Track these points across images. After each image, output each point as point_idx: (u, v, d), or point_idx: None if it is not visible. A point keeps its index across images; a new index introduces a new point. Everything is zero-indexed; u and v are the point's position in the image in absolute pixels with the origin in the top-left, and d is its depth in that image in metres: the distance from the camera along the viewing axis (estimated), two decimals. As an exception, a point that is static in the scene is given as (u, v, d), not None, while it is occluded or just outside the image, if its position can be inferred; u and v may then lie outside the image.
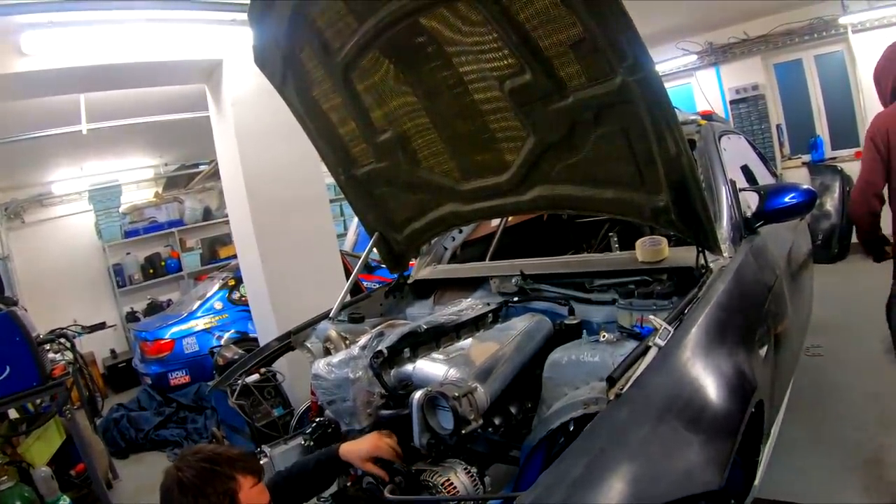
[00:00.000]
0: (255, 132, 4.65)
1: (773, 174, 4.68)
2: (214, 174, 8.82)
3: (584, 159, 2.07)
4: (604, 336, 1.74)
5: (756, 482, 1.91)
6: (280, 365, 3.06)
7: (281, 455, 2.29)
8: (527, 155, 2.20)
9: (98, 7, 3.65)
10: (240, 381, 2.76)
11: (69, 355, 4.23)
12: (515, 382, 1.96)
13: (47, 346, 3.93)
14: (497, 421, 1.95)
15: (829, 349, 4.24)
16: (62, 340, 4.18)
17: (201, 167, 9.69)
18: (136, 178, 9.76)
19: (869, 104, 7.25)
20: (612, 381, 1.43)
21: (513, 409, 2.01)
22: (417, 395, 1.71)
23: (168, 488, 1.44)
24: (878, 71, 3.28)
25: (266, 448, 2.29)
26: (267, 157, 4.68)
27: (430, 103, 2.31)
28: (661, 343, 1.52)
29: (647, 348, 1.52)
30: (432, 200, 2.73)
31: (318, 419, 2.34)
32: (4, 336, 3.37)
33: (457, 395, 1.64)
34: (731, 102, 8.57)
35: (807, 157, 8.03)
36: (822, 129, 8.05)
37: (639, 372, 1.45)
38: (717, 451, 1.32)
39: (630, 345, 1.67)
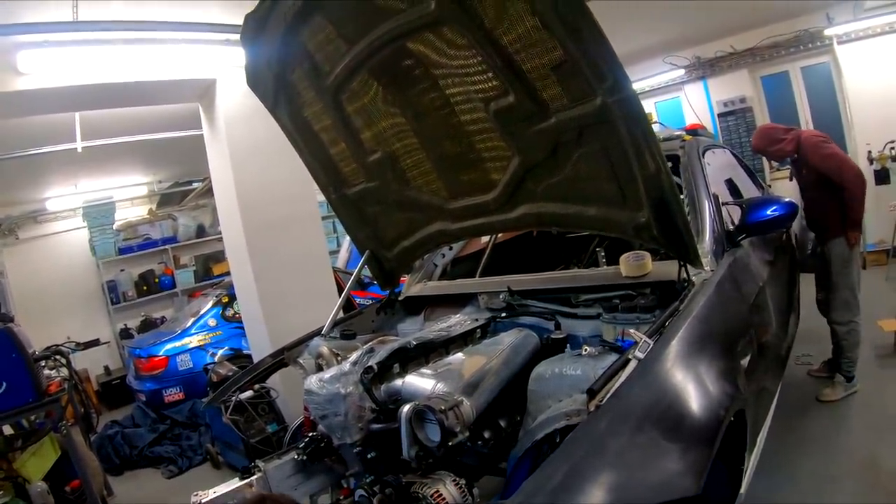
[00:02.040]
0: (248, 150, 4.70)
1: (760, 187, 4.75)
2: (208, 191, 8.84)
3: (568, 178, 2.13)
4: (586, 350, 1.79)
5: (742, 490, 1.95)
6: (274, 382, 3.08)
7: (274, 469, 2.32)
8: (512, 174, 2.26)
9: (93, 28, 3.69)
10: (234, 398, 2.78)
11: (65, 372, 4.24)
12: (504, 396, 2.00)
13: (43, 363, 3.95)
14: (487, 434, 1.99)
15: (818, 357, 4.29)
16: (58, 357, 4.19)
17: (195, 185, 9.71)
18: (130, 195, 9.79)
19: (856, 114, 7.38)
20: (592, 392, 1.48)
21: (502, 423, 2.04)
22: (406, 408, 1.76)
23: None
24: (762, 149, 4.16)
25: (260, 463, 2.32)
26: (260, 175, 4.73)
27: (419, 124, 2.38)
28: (641, 355, 1.57)
29: (627, 361, 1.57)
30: (421, 219, 2.78)
31: (310, 434, 2.37)
32: (1, 352, 3.39)
33: (443, 408, 1.68)
34: (720, 115, 8.68)
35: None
36: (809, 140, 8.13)
37: (618, 384, 1.50)
38: (695, 458, 1.36)
39: (611, 358, 1.73)
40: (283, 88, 2.57)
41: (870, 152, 7.27)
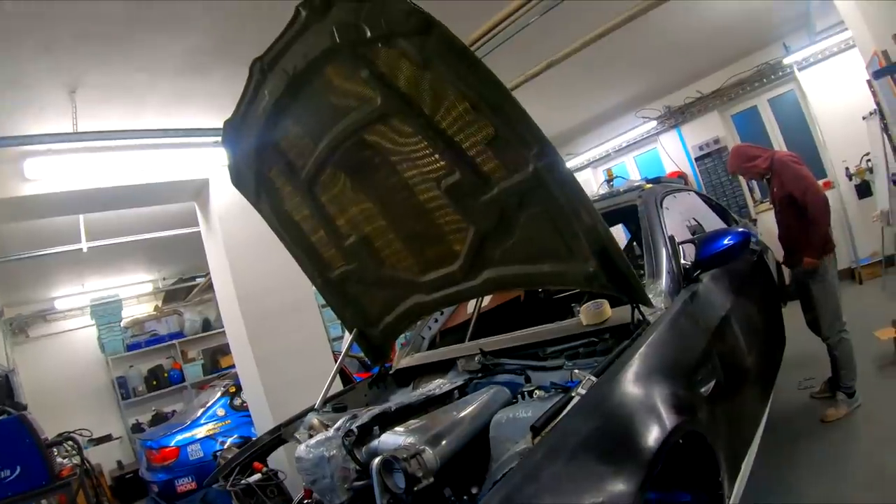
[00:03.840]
0: (242, 244, 4.95)
1: (734, 222, 4.92)
2: (211, 286, 9.09)
3: (519, 241, 2.32)
4: (536, 394, 1.94)
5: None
6: (282, 463, 3.18)
7: (272, 537, 2.42)
8: (471, 244, 2.45)
9: (91, 138, 4.01)
10: (241, 480, 2.89)
11: (76, 459, 4.36)
12: (484, 450, 2.12)
13: (55, 450, 4.08)
14: (475, 490, 2.08)
15: (820, 380, 4.33)
16: (69, 444, 4.32)
17: (198, 280, 9.94)
18: (136, 292, 10.08)
19: (827, 135, 7.59)
20: (535, 430, 1.61)
21: None
22: (375, 461, 1.89)
23: None
24: (737, 166, 4.33)
25: (258, 530, 2.42)
26: (255, 266, 4.95)
27: (384, 207, 2.59)
28: (583, 391, 1.71)
29: (570, 398, 1.71)
30: (399, 294, 2.95)
31: (306, 501, 2.49)
32: (15, 438, 3.59)
33: (405, 456, 1.82)
34: (697, 159, 8.96)
35: (778, 199, 8.27)
36: (786, 167, 8.35)
37: (559, 419, 1.63)
38: (628, 481, 1.47)
39: (559, 398, 1.87)
40: (263, 184, 2.79)
41: (847, 168, 7.45)
